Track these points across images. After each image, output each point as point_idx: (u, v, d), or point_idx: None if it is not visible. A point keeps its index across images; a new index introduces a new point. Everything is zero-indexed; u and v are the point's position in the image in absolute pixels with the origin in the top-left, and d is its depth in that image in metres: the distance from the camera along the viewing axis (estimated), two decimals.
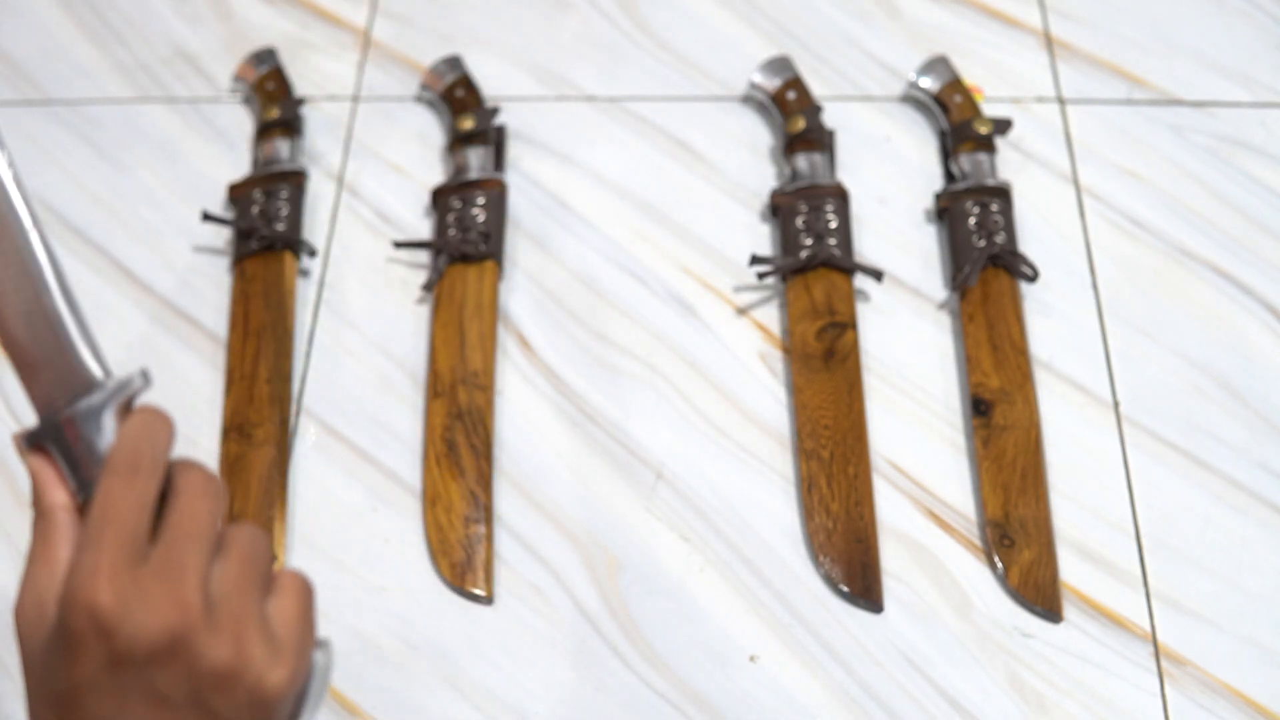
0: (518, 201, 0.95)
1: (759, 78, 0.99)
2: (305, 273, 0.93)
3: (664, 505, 0.83)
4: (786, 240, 0.91)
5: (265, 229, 0.91)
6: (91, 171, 0.97)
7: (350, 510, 0.83)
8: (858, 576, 0.79)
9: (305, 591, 0.48)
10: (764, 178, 0.97)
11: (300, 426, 0.86)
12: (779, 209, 0.93)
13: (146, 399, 0.92)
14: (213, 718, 0.44)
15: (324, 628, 0.79)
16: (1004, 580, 0.79)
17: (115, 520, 0.45)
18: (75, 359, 0.49)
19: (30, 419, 0.86)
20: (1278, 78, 1.02)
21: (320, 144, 0.99)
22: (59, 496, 0.47)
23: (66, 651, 0.44)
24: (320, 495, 0.83)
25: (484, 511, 0.81)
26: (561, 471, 0.84)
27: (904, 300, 0.91)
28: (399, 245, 0.91)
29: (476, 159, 0.95)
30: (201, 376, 0.88)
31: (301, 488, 0.84)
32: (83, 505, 0.47)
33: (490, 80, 1.01)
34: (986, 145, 0.95)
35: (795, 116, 0.96)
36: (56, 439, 0.48)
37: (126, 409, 0.48)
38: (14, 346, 0.49)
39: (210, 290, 0.92)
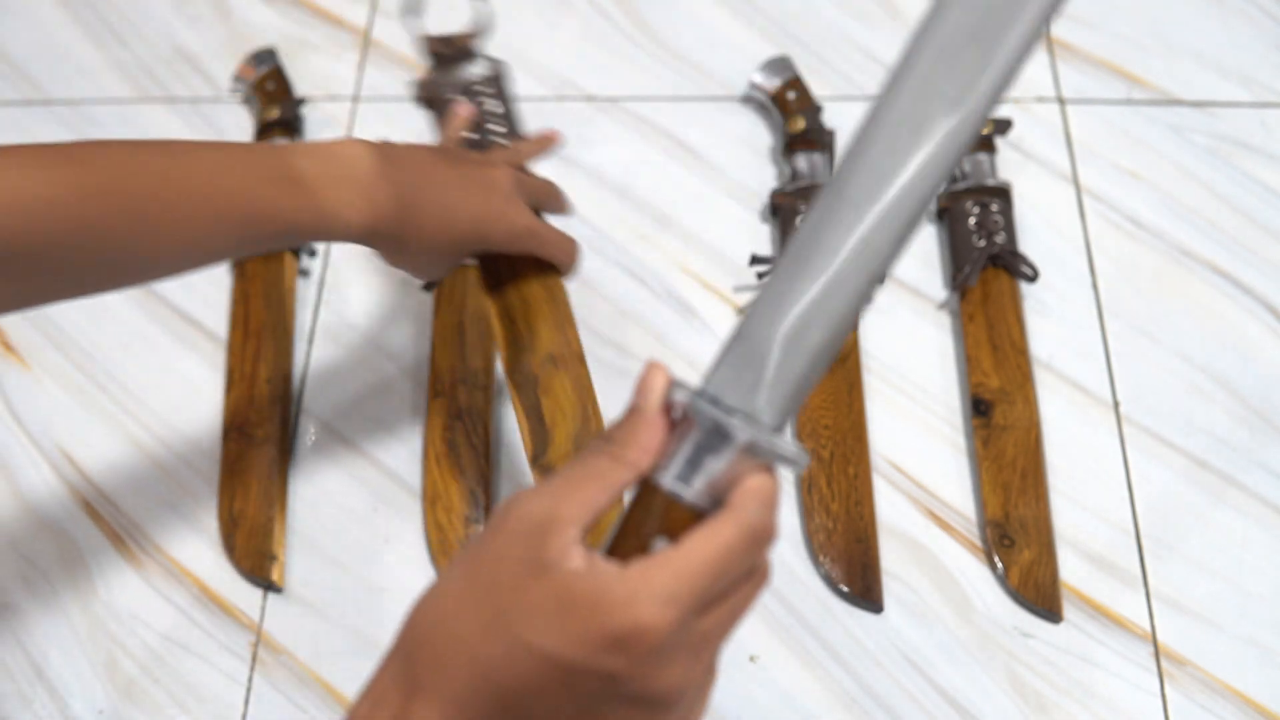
0: None
1: (759, 78, 0.99)
2: (305, 273, 0.93)
3: None
4: (786, 240, 0.91)
5: None
6: None
7: (350, 510, 0.83)
8: (858, 576, 0.79)
9: (710, 690, 0.48)
10: (764, 178, 0.97)
11: (300, 426, 0.86)
12: (779, 209, 0.93)
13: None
14: None
15: (323, 628, 0.79)
16: (1004, 580, 0.79)
17: (718, 574, 0.43)
18: (773, 383, 0.45)
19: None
20: (1278, 78, 1.02)
21: None
22: (648, 462, 0.45)
23: (571, 626, 0.41)
24: (320, 495, 0.83)
25: (484, 511, 0.81)
26: None
27: (904, 300, 0.91)
28: None
29: None
30: (201, 376, 0.88)
31: (301, 488, 0.84)
32: (643, 493, 0.45)
33: None
34: (986, 145, 0.95)
35: (795, 116, 0.96)
36: (686, 427, 0.44)
37: (757, 467, 0.45)
38: (746, 320, 0.46)
39: (210, 290, 0.92)
